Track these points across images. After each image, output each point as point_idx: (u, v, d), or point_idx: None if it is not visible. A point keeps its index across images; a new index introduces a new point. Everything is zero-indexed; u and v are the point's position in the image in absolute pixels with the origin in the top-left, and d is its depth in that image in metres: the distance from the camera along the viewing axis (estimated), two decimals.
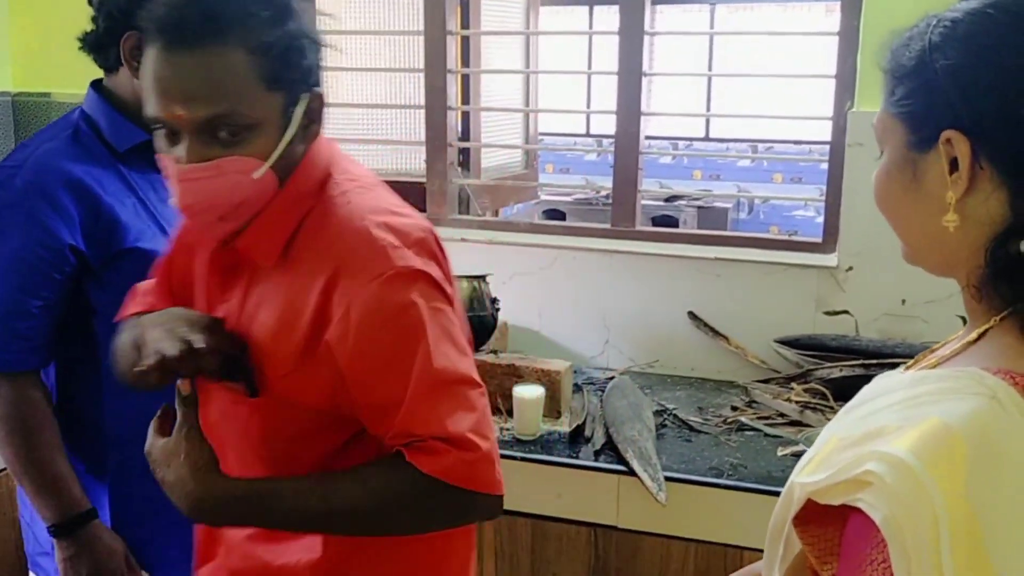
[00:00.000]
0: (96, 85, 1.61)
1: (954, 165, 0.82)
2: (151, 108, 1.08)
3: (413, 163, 2.89)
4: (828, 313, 2.31)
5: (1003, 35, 0.82)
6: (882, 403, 0.86)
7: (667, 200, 5.73)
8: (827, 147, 2.39)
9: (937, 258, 0.89)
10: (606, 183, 2.63)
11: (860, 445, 0.80)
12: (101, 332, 1.45)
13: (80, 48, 1.56)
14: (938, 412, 0.77)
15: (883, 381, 0.93)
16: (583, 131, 7.17)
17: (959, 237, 0.84)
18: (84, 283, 1.50)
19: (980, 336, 0.86)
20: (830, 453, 0.83)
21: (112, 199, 1.51)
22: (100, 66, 1.58)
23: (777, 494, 1.55)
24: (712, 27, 6.68)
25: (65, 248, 1.46)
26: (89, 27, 1.55)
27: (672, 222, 5.46)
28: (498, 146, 3.14)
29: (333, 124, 2.97)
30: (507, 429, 2.06)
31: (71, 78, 2.76)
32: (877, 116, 0.90)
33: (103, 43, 1.53)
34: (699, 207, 5.62)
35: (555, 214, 5.80)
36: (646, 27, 2.47)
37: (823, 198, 2.40)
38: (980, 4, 0.84)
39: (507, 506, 1.92)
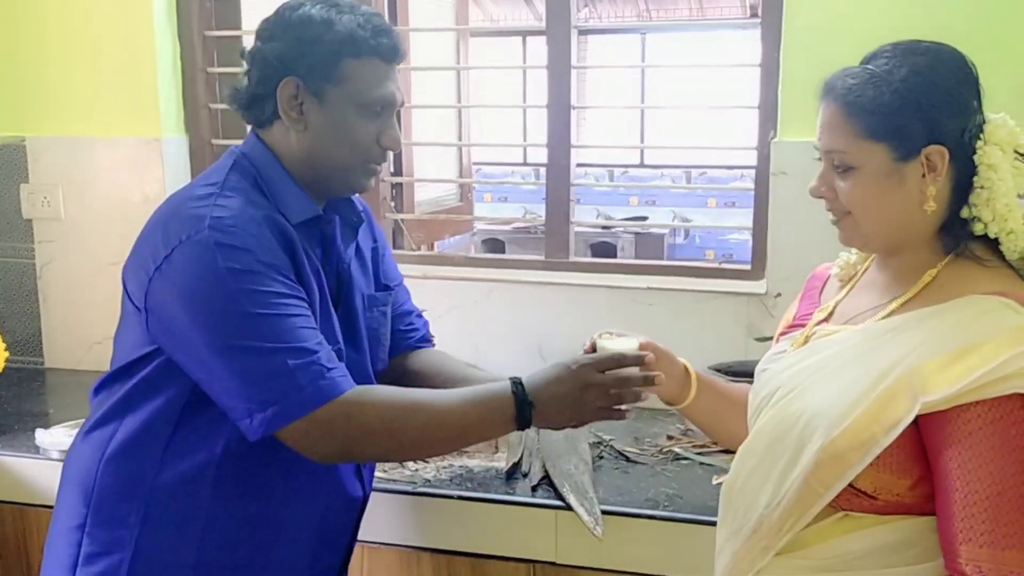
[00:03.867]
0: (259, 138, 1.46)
1: (929, 167, 1.16)
2: None
3: None
4: (759, 339, 2.34)
5: (946, 73, 1.17)
6: (926, 332, 1.12)
7: (604, 227, 5.80)
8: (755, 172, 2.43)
9: (901, 235, 1.21)
10: (543, 211, 2.63)
11: (968, 356, 1.07)
12: None
13: (231, 106, 1.46)
14: (1005, 324, 1.09)
15: (886, 323, 1.19)
16: (520, 160, 7.22)
17: (926, 216, 1.18)
18: None
19: (932, 279, 1.19)
20: (939, 369, 1.08)
21: None
22: (251, 122, 1.46)
23: (712, 523, 1.56)
24: (643, 53, 6.80)
25: None
26: (238, 83, 1.44)
27: (610, 248, 5.52)
28: (431, 180, 3.14)
29: None
30: (465, 467, 2.04)
31: (45, 123, 2.69)
32: (840, 142, 1.18)
33: (257, 95, 1.41)
34: (636, 233, 5.70)
35: (494, 243, 5.84)
36: (573, 61, 2.50)
37: (751, 225, 2.44)
38: (921, 50, 1.17)
39: (445, 546, 1.93)
